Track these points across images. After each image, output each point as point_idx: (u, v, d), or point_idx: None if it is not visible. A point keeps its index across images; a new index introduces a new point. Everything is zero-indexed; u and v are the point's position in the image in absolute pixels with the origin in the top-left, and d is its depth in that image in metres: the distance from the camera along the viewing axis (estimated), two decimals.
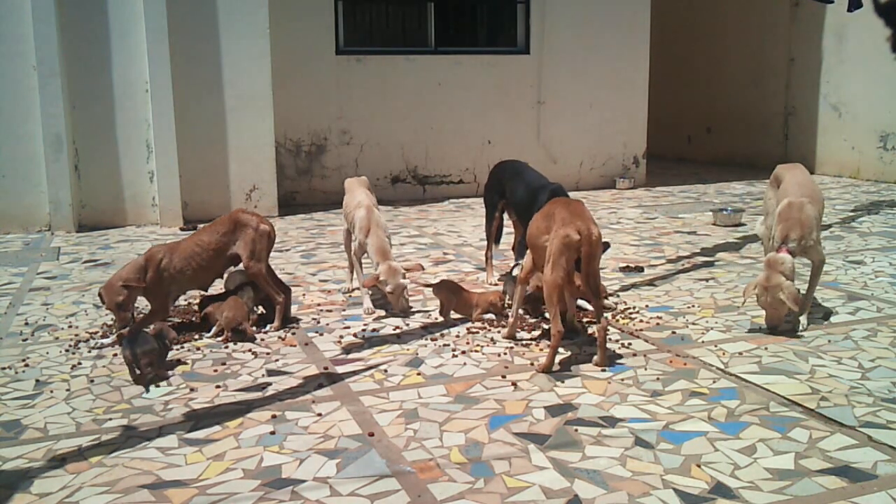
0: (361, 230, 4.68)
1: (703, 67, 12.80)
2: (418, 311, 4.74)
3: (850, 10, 8.71)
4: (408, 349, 4.10)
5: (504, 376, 3.68)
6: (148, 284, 4.26)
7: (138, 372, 3.70)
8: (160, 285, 4.29)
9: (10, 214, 7.49)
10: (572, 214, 3.76)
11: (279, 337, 4.33)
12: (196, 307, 4.70)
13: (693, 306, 4.77)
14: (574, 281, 3.84)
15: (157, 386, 3.63)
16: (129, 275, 4.25)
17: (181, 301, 4.92)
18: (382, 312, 4.73)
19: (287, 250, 6.56)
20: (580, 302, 4.42)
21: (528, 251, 4.07)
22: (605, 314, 3.86)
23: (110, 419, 3.29)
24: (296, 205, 8.90)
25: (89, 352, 4.13)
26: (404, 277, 4.56)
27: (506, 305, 4.55)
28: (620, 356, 3.93)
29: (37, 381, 3.73)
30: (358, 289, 5.00)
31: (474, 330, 4.38)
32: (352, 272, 5.20)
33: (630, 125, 10.23)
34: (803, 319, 4.28)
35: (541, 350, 3.99)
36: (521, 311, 4.34)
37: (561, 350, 3.92)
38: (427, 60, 9.43)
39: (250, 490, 2.69)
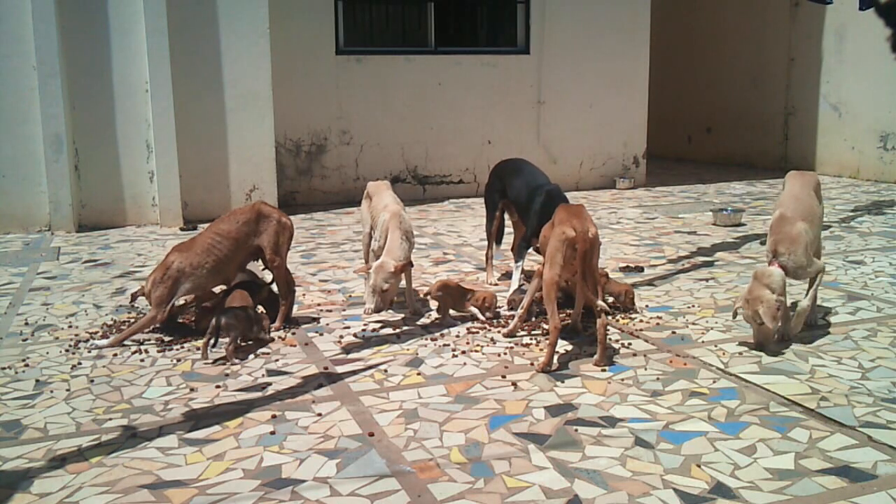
0: (382, 231, 4.56)
1: (703, 67, 12.81)
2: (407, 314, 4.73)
3: (861, 8, 8.71)
4: (408, 349, 4.10)
5: (504, 376, 3.68)
6: (152, 285, 4.26)
7: (213, 342, 3.93)
8: (168, 287, 4.27)
9: (10, 214, 7.49)
10: (569, 215, 3.87)
11: (279, 337, 4.33)
12: (195, 308, 4.68)
13: (693, 306, 4.77)
14: (588, 279, 3.84)
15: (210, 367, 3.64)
16: (151, 275, 4.35)
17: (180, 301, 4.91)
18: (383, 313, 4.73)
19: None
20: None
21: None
22: (605, 313, 3.86)
23: (110, 419, 3.29)
24: (296, 205, 8.90)
25: (89, 352, 4.13)
26: (388, 280, 4.26)
27: (514, 308, 4.61)
28: (619, 354, 3.93)
29: (37, 381, 3.73)
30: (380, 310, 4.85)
31: (474, 330, 4.39)
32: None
33: (630, 125, 10.23)
34: (796, 328, 4.06)
35: (541, 350, 3.99)
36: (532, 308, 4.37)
37: (560, 350, 3.93)
38: (427, 60, 9.43)
39: (250, 490, 2.69)
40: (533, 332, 4.31)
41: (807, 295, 4.18)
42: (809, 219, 4.12)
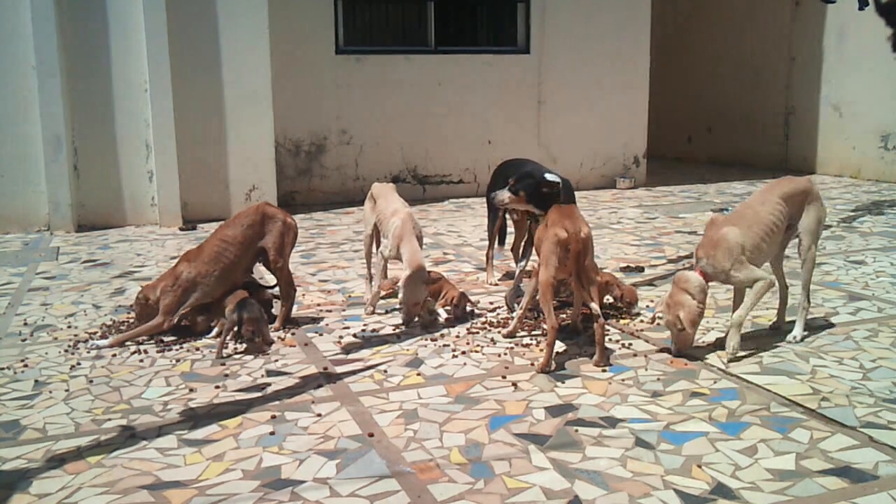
0: (395, 238, 4.49)
1: (703, 67, 12.80)
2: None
3: (861, 7, 8.72)
4: (408, 349, 4.09)
5: (504, 377, 3.67)
6: (161, 293, 4.27)
7: (230, 338, 4.06)
8: (177, 297, 4.26)
9: (9, 214, 7.48)
10: (561, 216, 3.87)
11: (279, 337, 4.33)
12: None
13: None
14: (583, 279, 3.84)
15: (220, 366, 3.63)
16: (157, 283, 4.35)
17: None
18: (381, 312, 4.73)
19: None
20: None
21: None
22: (601, 313, 3.86)
23: (109, 419, 3.28)
24: (295, 205, 8.88)
25: (88, 352, 4.12)
26: (423, 292, 4.36)
27: (512, 308, 4.61)
28: (619, 355, 3.92)
29: (36, 381, 3.72)
30: (382, 311, 4.80)
31: (474, 330, 4.38)
32: (370, 283, 4.90)
33: (630, 125, 10.22)
34: (732, 344, 3.82)
35: (540, 350, 3.98)
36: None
37: (560, 349, 3.92)
38: (427, 60, 9.42)
39: (250, 491, 2.68)
40: (533, 333, 4.30)
41: (741, 311, 3.87)
42: (747, 224, 3.87)
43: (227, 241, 4.37)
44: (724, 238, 3.81)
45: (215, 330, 4.33)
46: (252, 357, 4.01)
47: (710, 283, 3.87)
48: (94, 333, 4.40)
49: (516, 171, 5.16)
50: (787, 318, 4.29)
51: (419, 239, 4.54)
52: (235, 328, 4.07)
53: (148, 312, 4.33)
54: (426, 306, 4.46)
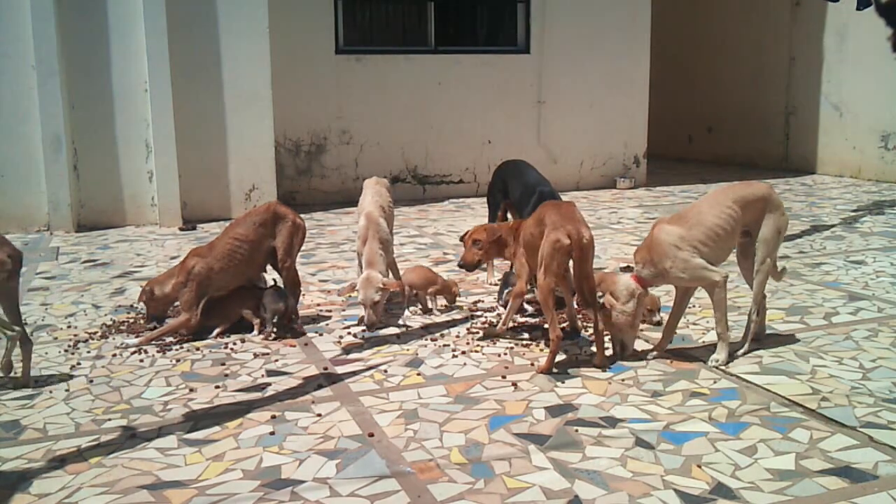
0: (359, 239, 4.55)
1: (703, 67, 12.79)
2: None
3: (859, 8, 8.71)
4: (408, 349, 4.09)
5: (504, 377, 3.67)
6: (177, 290, 4.30)
7: (273, 328, 4.28)
8: (193, 291, 4.27)
9: (8, 214, 7.47)
10: (562, 218, 3.71)
11: (279, 336, 4.32)
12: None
13: (693, 306, 4.75)
14: (584, 285, 3.80)
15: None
16: (166, 279, 4.45)
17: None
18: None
19: None
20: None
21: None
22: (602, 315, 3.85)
23: (109, 419, 3.28)
24: (295, 205, 8.86)
25: (88, 352, 4.12)
26: (379, 291, 4.30)
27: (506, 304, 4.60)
28: (619, 354, 3.92)
29: (36, 381, 3.71)
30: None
31: (474, 330, 4.38)
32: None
33: (630, 125, 10.22)
34: (721, 355, 3.77)
35: (541, 350, 3.98)
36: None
37: (561, 352, 3.92)
38: (427, 60, 9.42)
39: (250, 490, 2.68)
40: (533, 333, 4.29)
41: (715, 322, 3.81)
42: (688, 225, 3.73)
43: (239, 238, 4.39)
44: (656, 240, 3.74)
45: (216, 330, 4.34)
46: (252, 357, 4.01)
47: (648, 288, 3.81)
48: (95, 333, 4.40)
49: (514, 173, 5.18)
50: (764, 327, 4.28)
51: (385, 243, 4.52)
52: (276, 317, 4.29)
53: (155, 306, 4.41)
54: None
